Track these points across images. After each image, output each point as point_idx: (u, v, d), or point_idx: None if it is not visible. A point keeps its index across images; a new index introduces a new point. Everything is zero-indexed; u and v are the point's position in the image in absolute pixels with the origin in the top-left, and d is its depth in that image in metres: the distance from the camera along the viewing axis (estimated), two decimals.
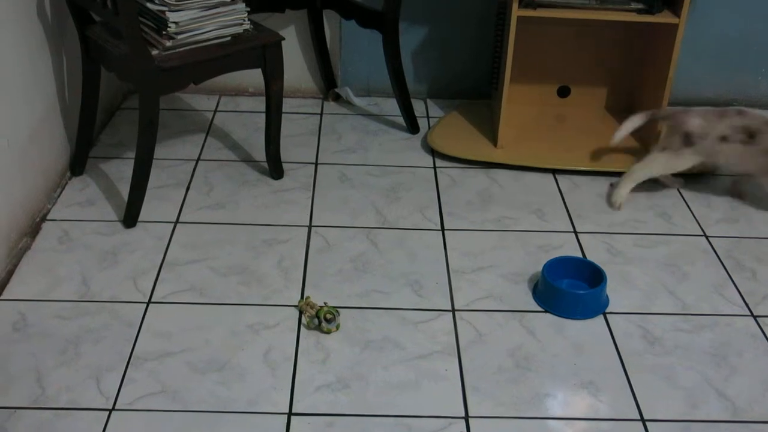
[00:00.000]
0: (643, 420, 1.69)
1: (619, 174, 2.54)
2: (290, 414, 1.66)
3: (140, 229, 2.20)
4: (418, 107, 2.90)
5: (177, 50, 2.12)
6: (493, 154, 2.60)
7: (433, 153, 2.64)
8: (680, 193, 2.48)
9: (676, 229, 2.31)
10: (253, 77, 2.86)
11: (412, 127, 2.77)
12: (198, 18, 2.11)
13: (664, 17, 2.42)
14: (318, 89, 3.02)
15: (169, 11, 2.06)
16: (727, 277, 2.12)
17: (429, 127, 2.79)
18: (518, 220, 2.32)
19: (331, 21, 2.88)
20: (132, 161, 2.19)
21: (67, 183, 2.40)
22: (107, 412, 1.64)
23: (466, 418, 1.67)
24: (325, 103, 2.98)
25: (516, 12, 2.40)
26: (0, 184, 2.00)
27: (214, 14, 2.14)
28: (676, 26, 2.41)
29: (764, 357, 1.86)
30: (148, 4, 2.07)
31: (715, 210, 2.40)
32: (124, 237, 2.17)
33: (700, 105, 2.99)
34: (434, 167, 2.58)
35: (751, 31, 2.88)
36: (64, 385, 1.70)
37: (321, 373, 1.76)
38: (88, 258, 2.08)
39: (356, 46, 2.92)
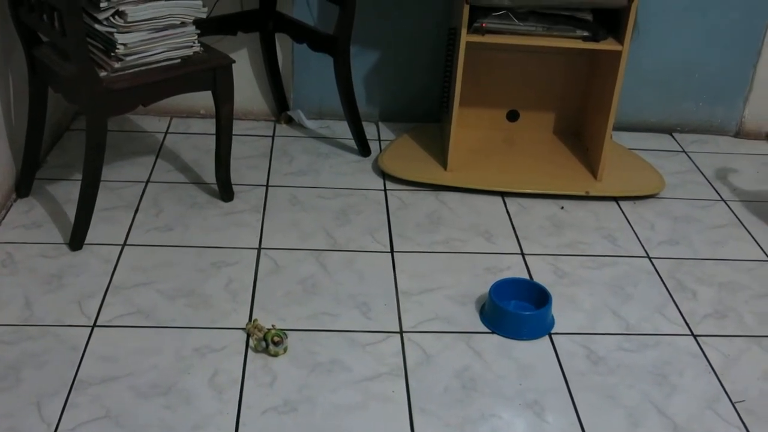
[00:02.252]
0: None
1: (565, 197, 2.59)
2: None
3: (87, 252, 2.18)
4: (369, 130, 2.93)
5: (125, 72, 2.11)
6: (443, 177, 2.63)
7: (384, 176, 2.67)
8: (625, 216, 2.54)
9: (621, 251, 2.36)
10: (205, 99, 2.84)
11: (364, 150, 2.79)
12: (147, 40, 2.11)
13: (608, 45, 2.49)
14: (270, 112, 3.03)
15: (118, 33, 2.05)
16: (669, 297, 2.17)
17: (380, 150, 2.82)
18: (467, 243, 2.35)
19: (283, 44, 2.90)
20: (79, 183, 2.17)
21: (12, 205, 2.36)
22: None
23: None
24: (277, 125, 2.98)
25: (465, 37, 2.44)
26: None
27: (163, 36, 2.14)
28: (619, 53, 2.47)
29: (704, 375, 1.91)
30: (97, 26, 2.06)
31: (658, 233, 2.46)
32: (70, 260, 2.14)
33: (644, 130, 3.08)
34: (385, 190, 2.60)
35: (692, 59, 2.97)
36: (4, 412, 1.66)
37: (268, 396, 1.76)
38: (32, 281, 2.05)
39: (308, 69, 2.94)
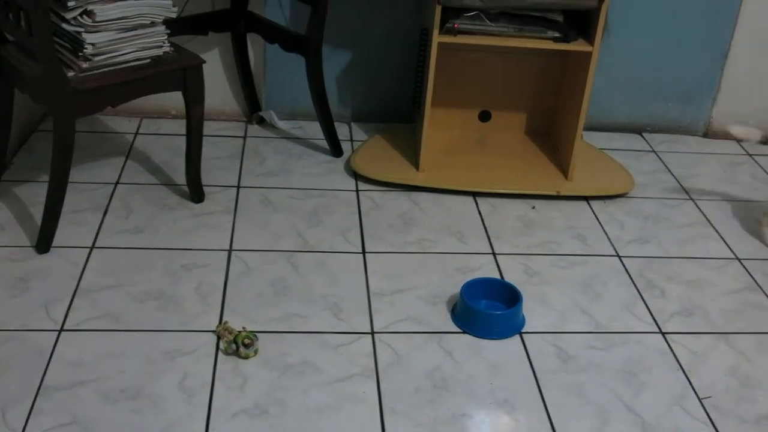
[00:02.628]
0: None
1: (536, 197, 2.60)
2: None
3: (54, 255, 2.16)
4: (341, 131, 2.92)
5: (94, 72, 2.09)
6: (415, 178, 2.63)
7: (356, 176, 2.66)
8: (595, 215, 2.55)
9: (591, 250, 2.38)
10: (176, 100, 2.82)
11: (336, 150, 2.79)
12: (116, 40, 2.09)
13: (578, 45, 2.50)
14: (242, 112, 3.02)
15: (86, 32, 2.03)
16: (638, 295, 2.19)
17: (352, 151, 2.81)
18: (438, 243, 2.35)
19: (255, 44, 2.89)
20: (47, 185, 2.14)
21: None
22: None
23: None
24: (249, 126, 2.97)
25: (437, 38, 2.44)
26: None
27: (132, 36, 2.13)
28: (589, 54, 2.49)
29: (672, 373, 1.93)
30: (64, 25, 2.04)
31: (627, 231, 2.48)
32: (36, 263, 2.12)
33: (614, 130, 3.11)
34: (357, 190, 2.60)
35: (661, 60, 3.00)
36: None
37: (238, 399, 1.75)
38: None
39: (280, 69, 2.93)
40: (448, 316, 2.06)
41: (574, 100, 2.63)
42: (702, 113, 3.12)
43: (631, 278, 2.26)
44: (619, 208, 2.60)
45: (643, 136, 3.12)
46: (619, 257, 2.35)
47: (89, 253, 2.18)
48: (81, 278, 2.08)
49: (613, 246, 2.40)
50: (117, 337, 1.89)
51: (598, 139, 3.04)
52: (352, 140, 2.92)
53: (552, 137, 2.91)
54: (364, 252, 2.29)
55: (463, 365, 1.90)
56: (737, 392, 1.88)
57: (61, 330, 1.90)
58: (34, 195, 2.40)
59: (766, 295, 2.24)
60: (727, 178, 2.87)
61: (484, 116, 2.95)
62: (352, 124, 3.04)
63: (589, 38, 2.49)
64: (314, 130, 2.90)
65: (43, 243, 2.16)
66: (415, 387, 1.83)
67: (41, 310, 1.95)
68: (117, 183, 2.52)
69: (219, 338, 1.90)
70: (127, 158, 2.68)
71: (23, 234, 2.23)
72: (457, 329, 2.02)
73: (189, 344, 1.89)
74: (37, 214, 2.27)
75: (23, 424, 1.64)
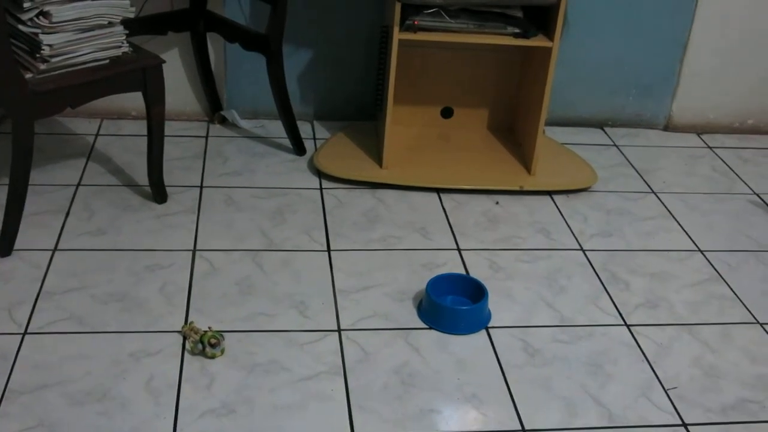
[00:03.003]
0: (524, 430, 1.74)
1: (500, 192, 2.62)
2: None
3: (16, 258, 2.12)
4: (304, 129, 2.92)
5: (52, 73, 2.07)
6: (379, 175, 2.63)
7: (320, 174, 2.66)
8: (558, 209, 2.58)
9: (555, 244, 2.40)
10: (136, 100, 2.78)
11: (298, 149, 2.78)
12: (73, 41, 2.07)
13: (538, 41, 2.52)
14: (203, 112, 2.99)
15: (43, 33, 2.01)
16: (603, 288, 2.22)
17: (315, 149, 2.81)
18: (403, 239, 2.36)
19: (215, 43, 2.87)
20: (6, 188, 2.11)
21: None
22: None
23: None
24: (211, 125, 2.95)
25: (397, 35, 2.45)
26: None
27: (90, 37, 2.10)
28: (549, 49, 2.51)
29: (637, 364, 1.95)
30: (20, 26, 2.01)
31: (590, 225, 2.51)
32: None
33: (576, 125, 3.14)
34: (321, 188, 2.59)
35: (622, 55, 3.04)
36: None
37: (205, 398, 1.74)
38: None
39: (241, 68, 2.91)
40: (415, 312, 2.07)
41: (536, 95, 2.65)
42: (662, 107, 3.17)
43: (595, 271, 2.29)
44: (582, 202, 2.63)
45: (604, 131, 3.16)
46: (583, 251, 2.38)
47: (52, 256, 2.15)
48: (44, 281, 2.05)
49: (576, 240, 2.43)
50: (82, 340, 1.87)
51: (560, 133, 3.07)
52: (315, 138, 2.91)
53: (514, 133, 2.93)
54: (329, 250, 2.29)
55: (431, 361, 1.91)
56: (702, 382, 1.91)
57: (25, 333, 1.87)
58: None
59: (728, 286, 2.28)
60: (688, 171, 2.91)
61: (447, 113, 2.96)
62: (315, 122, 3.03)
63: (549, 34, 2.51)
64: (277, 128, 2.89)
65: (5, 246, 2.13)
66: (383, 383, 1.83)
67: (4, 313, 1.92)
68: (78, 185, 2.49)
69: (185, 338, 1.89)
70: (88, 160, 2.64)
71: None
72: (424, 325, 2.02)
73: (155, 345, 1.87)
74: None
75: None
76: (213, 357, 1.84)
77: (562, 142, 2.99)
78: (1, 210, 2.16)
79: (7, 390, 1.71)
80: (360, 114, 3.02)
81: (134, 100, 2.81)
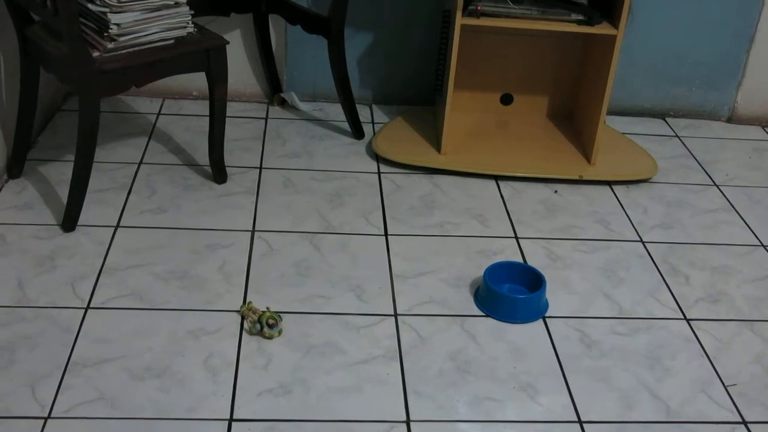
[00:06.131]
0: (580, 422, 1.72)
1: (559, 181, 2.59)
2: (231, 420, 1.65)
3: (79, 234, 2.17)
4: (363, 113, 2.92)
5: (118, 52, 2.09)
6: (437, 160, 2.62)
7: (378, 159, 2.66)
8: (618, 200, 2.54)
9: (614, 235, 2.37)
10: (198, 81, 2.84)
11: (357, 132, 2.78)
12: (141, 20, 2.09)
13: (602, 29, 2.48)
14: (263, 94, 3.01)
15: (111, 13, 2.03)
16: (662, 281, 2.18)
17: (374, 133, 2.81)
18: (460, 226, 2.35)
19: (276, 25, 2.88)
20: (72, 164, 2.15)
21: (3, 186, 2.35)
22: (43, 420, 1.61)
23: (408, 422, 1.69)
24: (270, 107, 2.97)
25: (459, 20, 2.43)
26: None
27: (157, 17, 2.12)
28: (614, 38, 2.47)
29: (696, 359, 1.92)
30: (90, 5, 2.04)
31: (651, 217, 2.47)
32: (62, 241, 2.13)
33: (637, 115, 3.09)
34: (378, 173, 2.59)
35: (686, 44, 2.97)
36: None
37: (263, 378, 1.76)
38: (25, 263, 2.04)
39: (302, 51, 2.92)
40: (471, 299, 2.06)
41: (598, 83, 2.61)
42: (726, 98, 3.09)
43: (654, 264, 2.25)
44: (642, 194, 2.59)
45: (666, 121, 3.10)
46: (643, 242, 2.34)
47: (114, 232, 2.19)
48: (106, 257, 2.09)
49: (636, 231, 2.39)
50: (142, 316, 1.90)
51: (620, 123, 3.02)
52: (373, 122, 2.91)
53: (574, 121, 2.89)
54: (386, 234, 2.29)
55: (486, 348, 1.90)
56: (764, 380, 1.87)
57: (88, 307, 1.92)
58: (59, 174, 2.41)
59: None
60: (752, 164, 2.84)
61: (506, 99, 2.94)
62: (373, 106, 3.03)
63: (614, 21, 2.47)
64: (335, 112, 2.90)
65: (69, 222, 2.17)
66: (438, 369, 1.83)
67: (68, 287, 1.97)
68: (140, 163, 2.53)
69: (243, 318, 1.91)
70: (149, 139, 2.69)
71: (49, 212, 2.24)
72: (480, 312, 2.02)
73: (213, 323, 1.90)
74: (63, 192, 2.29)
75: (52, 400, 1.65)
76: (270, 337, 1.86)
77: (622, 131, 2.94)
78: (65, 186, 2.21)
79: (70, 363, 1.75)
80: (419, 99, 3.01)
81: (196, 81, 2.86)
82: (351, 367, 1.81)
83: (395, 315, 1.98)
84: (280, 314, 1.90)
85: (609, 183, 2.62)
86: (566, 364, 1.87)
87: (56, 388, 1.68)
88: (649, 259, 2.27)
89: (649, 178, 2.66)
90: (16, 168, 2.39)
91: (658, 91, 3.08)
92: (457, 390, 1.78)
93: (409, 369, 1.82)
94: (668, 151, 2.87)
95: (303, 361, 1.82)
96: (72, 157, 2.16)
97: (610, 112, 3.03)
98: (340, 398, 1.73)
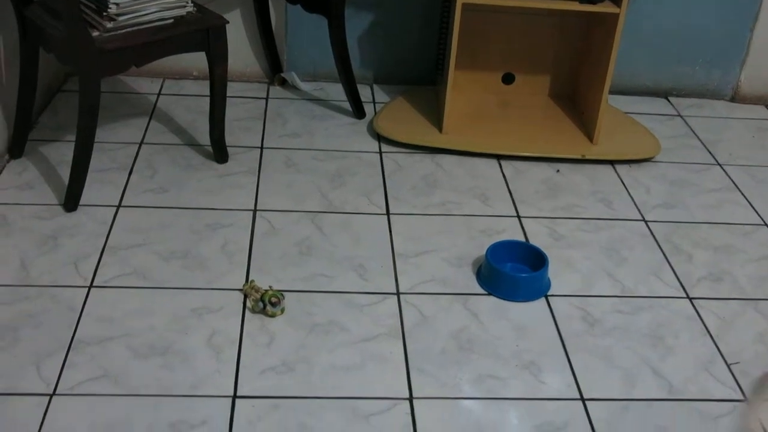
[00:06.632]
0: (582, 399, 1.73)
1: (561, 160, 2.59)
2: (235, 397, 1.65)
3: (81, 213, 2.17)
4: (363, 92, 2.90)
5: (118, 32, 2.08)
6: (439, 140, 2.62)
7: (379, 138, 2.65)
8: (620, 179, 2.53)
9: (617, 214, 2.36)
10: (198, 60, 2.82)
11: (358, 112, 2.77)
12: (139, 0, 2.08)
13: (605, 7, 2.47)
14: (263, 73, 3.00)
15: None
16: (665, 260, 2.18)
17: (375, 113, 2.80)
18: (462, 205, 2.35)
19: (276, 5, 2.86)
20: (73, 144, 2.15)
21: (5, 166, 2.34)
22: (48, 397, 1.61)
23: (411, 399, 1.69)
24: (271, 87, 2.96)
25: None
26: None
27: None
28: (616, 16, 2.45)
29: (699, 338, 1.92)
30: None
31: (653, 196, 2.46)
32: (64, 221, 2.13)
33: (640, 94, 3.07)
34: (380, 152, 2.59)
35: (689, 23, 2.95)
36: (3, 372, 1.66)
37: (266, 356, 1.76)
38: (27, 242, 2.04)
39: (302, 30, 2.90)
40: (473, 277, 2.06)
41: (600, 62, 2.59)
42: (730, 77, 3.08)
43: (657, 243, 2.25)
44: (644, 173, 2.58)
45: (668, 100, 3.09)
46: (645, 222, 2.34)
47: (116, 212, 2.19)
48: (108, 236, 2.09)
49: (639, 210, 2.39)
50: (145, 294, 1.91)
51: (622, 102, 3.01)
52: (374, 102, 2.90)
53: (576, 100, 2.88)
54: (388, 213, 2.29)
55: (489, 327, 1.90)
56: (766, 358, 1.87)
57: (91, 286, 1.92)
58: (60, 154, 2.40)
59: None
60: (756, 143, 2.83)
61: (508, 79, 2.92)
62: (374, 85, 3.02)
63: None
64: (336, 91, 2.89)
65: (71, 201, 2.17)
66: (441, 347, 1.83)
67: (71, 267, 1.97)
68: (141, 143, 2.52)
69: (246, 297, 1.91)
70: (150, 119, 2.68)
71: (51, 192, 2.24)
72: (483, 291, 2.02)
73: (216, 302, 1.90)
74: (64, 172, 2.28)
75: (57, 377, 1.66)
76: (273, 316, 1.86)
77: (624, 111, 2.93)
78: (66, 166, 2.20)
79: (74, 341, 1.75)
80: (420, 78, 3.00)
81: (196, 60, 2.84)
82: (354, 345, 1.81)
83: (398, 294, 1.98)
84: (283, 293, 1.90)
85: (611, 162, 2.61)
86: (569, 342, 1.88)
87: (61, 365, 1.69)
88: (652, 238, 2.27)
89: (652, 158, 2.65)
90: (17, 148, 2.38)
91: (660, 70, 3.06)
92: (460, 368, 1.78)
93: (411, 347, 1.82)
94: (671, 131, 2.86)
95: (306, 339, 1.82)
96: (73, 138, 2.16)
97: (612, 91, 3.02)
98: (344, 375, 1.73)
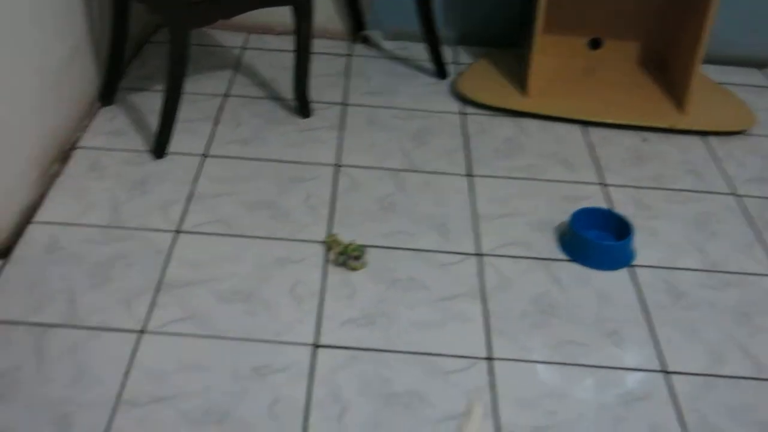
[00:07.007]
0: (665, 371, 1.70)
1: (648, 129, 2.52)
2: (316, 345, 1.67)
3: (169, 161, 2.20)
4: (445, 53, 2.87)
5: None
6: (522, 103, 2.57)
7: (461, 99, 2.62)
8: (710, 151, 2.46)
9: (707, 186, 2.30)
10: (281, 16, 2.82)
11: (441, 72, 2.74)
12: None
13: None
14: (346, 31, 2.99)
15: None
16: (757, 237, 2.11)
17: (456, 74, 2.77)
18: (545, 170, 2.31)
19: None
20: (161, 93, 2.18)
21: (96, 112, 2.39)
22: (137, 334, 1.66)
23: (490, 358, 1.69)
24: (354, 45, 2.94)
25: None
26: (32, 109, 2.00)
27: None
28: None
29: None
30: None
31: (746, 170, 2.38)
32: (152, 167, 2.17)
33: (733, 64, 2.96)
34: (461, 113, 2.56)
35: None
36: (96, 307, 1.72)
37: (347, 308, 1.78)
38: (118, 186, 2.09)
39: None
40: (555, 243, 2.03)
41: (693, 29, 2.50)
42: None
43: (749, 218, 2.18)
44: (737, 146, 2.50)
45: (763, 72, 2.97)
46: (736, 196, 2.27)
47: (202, 161, 2.22)
48: (195, 184, 2.12)
49: (730, 184, 2.31)
50: (229, 242, 1.93)
51: (714, 72, 2.90)
52: (456, 63, 2.87)
53: (667, 68, 2.79)
54: (470, 175, 2.26)
55: (571, 293, 1.88)
56: None
57: (178, 231, 1.95)
58: (149, 103, 2.44)
59: None
60: None
61: (595, 43, 2.85)
62: (457, 47, 2.97)
63: None
64: (418, 51, 2.86)
65: (159, 149, 2.21)
66: (521, 311, 1.82)
67: (159, 211, 2.01)
68: (226, 95, 2.55)
69: (328, 249, 1.92)
70: (235, 72, 2.69)
71: (140, 139, 2.28)
72: (565, 257, 1.99)
73: (298, 253, 1.92)
74: (152, 120, 2.32)
75: (146, 316, 1.70)
76: (354, 269, 1.87)
77: (715, 81, 2.83)
78: (155, 115, 2.24)
79: (162, 282, 1.79)
80: (503, 40, 2.95)
81: (280, 16, 2.83)
82: (434, 303, 1.81)
83: (479, 254, 1.97)
84: (365, 247, 1.91)
85: (701, 133, 2.53)
86: (653, 313, 1.84)
87: (149, 305, 1.73)
88: (744, 213, 2.20)
89: (745, 130, 2.56)
90: (108, 96, 2.42)
91: (755, 40, 2.94)
92: (540, 332, 1.76)
93: (492, 308, 1.81)
94: (765, 103, 2.75)
95: (386, 293, 1.82)
96: (160, 88, 2.19)
97: (704, 61, 2.91)
98: (423, 332, 1.73)
